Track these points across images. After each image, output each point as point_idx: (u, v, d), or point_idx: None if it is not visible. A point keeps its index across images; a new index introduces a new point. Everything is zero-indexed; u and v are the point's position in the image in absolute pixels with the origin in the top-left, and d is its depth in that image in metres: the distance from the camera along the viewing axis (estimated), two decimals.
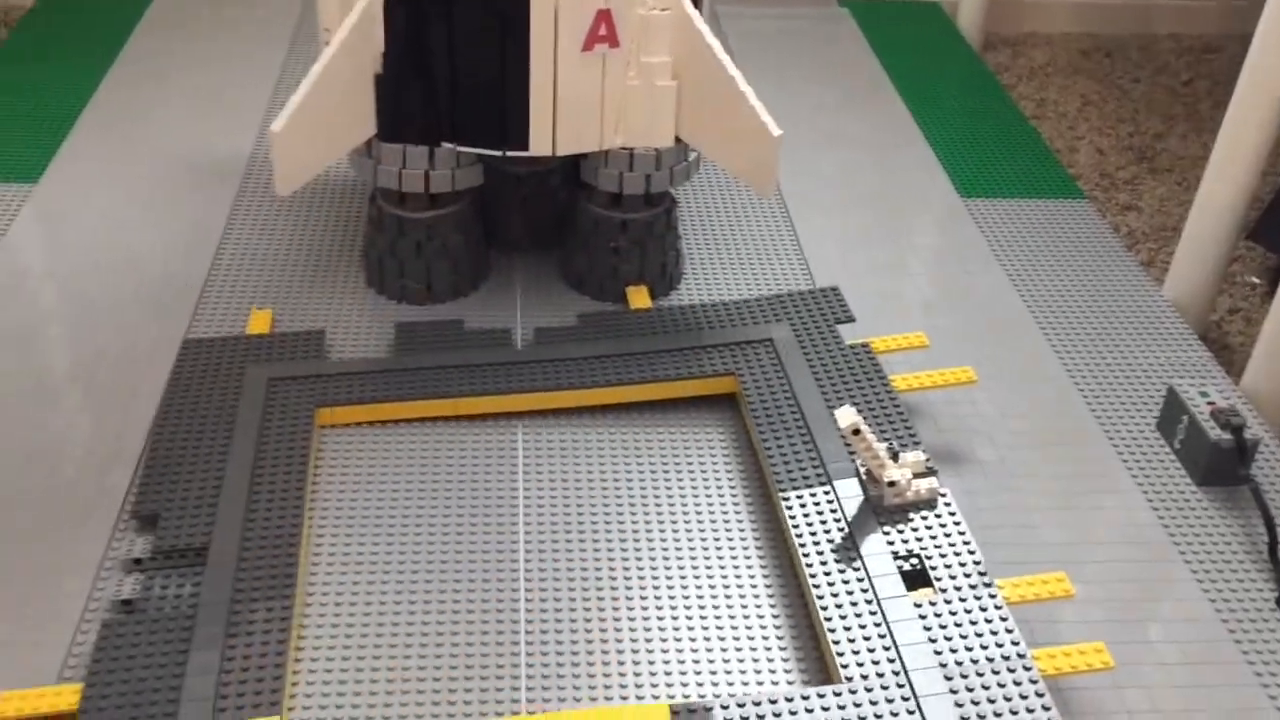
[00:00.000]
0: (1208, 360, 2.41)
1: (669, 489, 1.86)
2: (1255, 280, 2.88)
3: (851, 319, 2.38)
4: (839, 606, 1.73)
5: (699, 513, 1.82)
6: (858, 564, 1.81)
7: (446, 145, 1.87)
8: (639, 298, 2.46)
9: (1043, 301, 2.56)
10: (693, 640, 1.53)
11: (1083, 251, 2.64)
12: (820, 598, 1.74)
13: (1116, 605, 1.67)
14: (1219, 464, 2.10)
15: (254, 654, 1.23)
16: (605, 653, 1.45)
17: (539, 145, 1.88)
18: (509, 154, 1.89)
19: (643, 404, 2.03)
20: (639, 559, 1.66)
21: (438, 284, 2.38)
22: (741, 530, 1.80)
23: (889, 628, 1.69)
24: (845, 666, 1.60)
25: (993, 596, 1.76)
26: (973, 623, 1.72)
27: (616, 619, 1.53)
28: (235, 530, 1.40)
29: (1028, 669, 1.57)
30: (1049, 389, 2.34)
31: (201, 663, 1.20)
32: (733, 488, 1.93)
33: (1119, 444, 2.20)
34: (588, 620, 1.51)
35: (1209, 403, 2.17)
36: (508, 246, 2.56)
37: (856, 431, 1.83)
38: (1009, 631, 1.69)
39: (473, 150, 1.91)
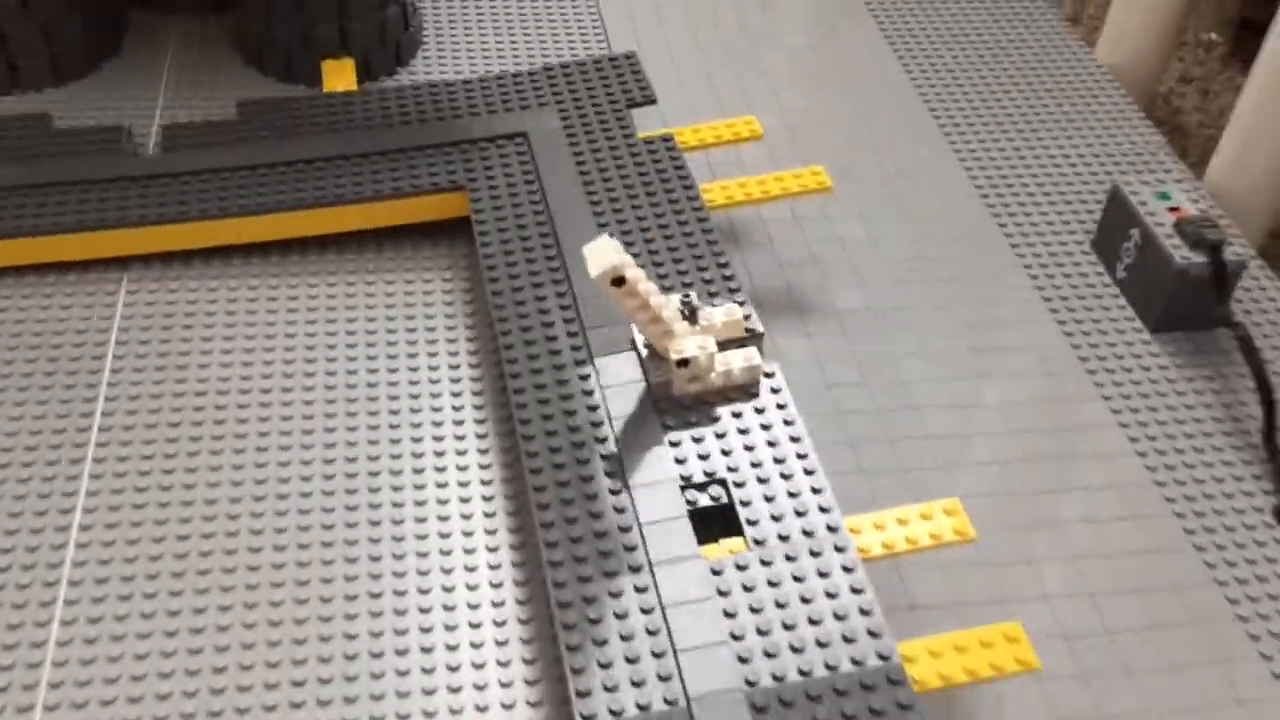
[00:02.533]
0: (1159, 148, 1.70)
1: (356, 378, 1.32)
2: (1213, 37, 2.15)
3: (651, 99, 1.61)
4: (590, 611, 1.02)
5: (394, 423, 1.28)
6: (620, 513, 1.09)
7: None
8: (339, 75, 1.66)
9: (932, 72, 1.80)
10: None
11: (987, 4, 1.89)
12: (560, 587, 1.03)
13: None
14: (1185, 300, 1.42)
15: None
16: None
17: None
18: None
19: (326, 240, 1.47)
20: (280, 516, 1.14)
21: (26, 55, 1.58)
22: (462, 450, 1.26)
23: (672, 642, 0.99)
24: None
25: (841, 551, 1.06)
26: (806, 600, 1.03)
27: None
28: None
29: (901, 701, 0.90)
30: (941, 197, 1.61)
31: None
32: (455, 377, 1.33)
33: (1039, 274, 1.49)
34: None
35: (1170, 208, 1.46)
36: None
37: (619, 281, 1.09)
38: (865, 613, 1.01)
39: None
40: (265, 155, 1.49)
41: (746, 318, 1.26)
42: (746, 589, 1.02)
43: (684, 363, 1.17)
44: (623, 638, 0.99)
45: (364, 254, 1.44)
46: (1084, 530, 1.23)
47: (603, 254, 1.10)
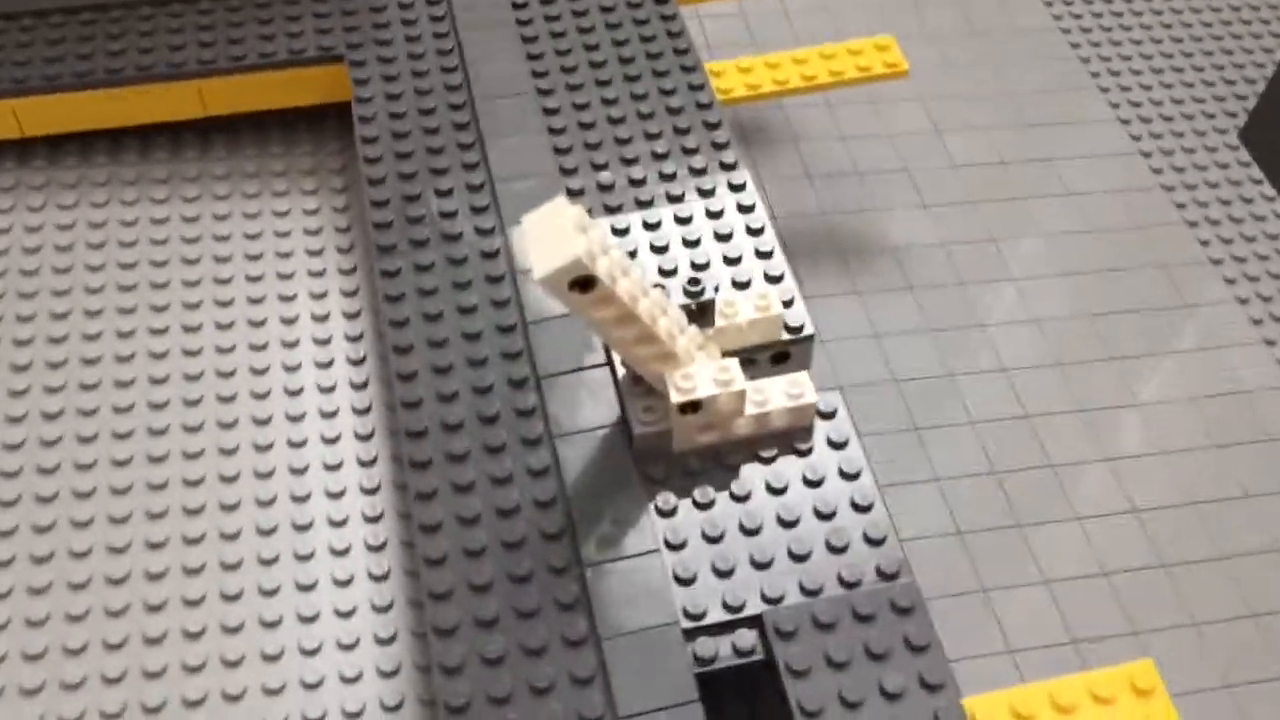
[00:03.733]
0: None
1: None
2: None
3: None
4: None
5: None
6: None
7: None
8: None
9: None
10: None
11: None
12: None
13: None
14: None
15: None
16: None
17: None
18: None
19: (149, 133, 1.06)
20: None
21: None
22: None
23: None
24: None
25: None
26: None
27: None
28: None
29: None
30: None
31: None
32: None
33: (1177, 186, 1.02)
34: None
35: None
36: None
37: (585, 284, 0.60)
38: None
39: None
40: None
41: (787, 304, 0.78)
42: None
43: (692, 406, 0.70)
44: None
45: (205, 157, 0.95)
46: None
47: (554, 240, 0.61)
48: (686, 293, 0.74)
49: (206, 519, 0.81)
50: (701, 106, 0.92)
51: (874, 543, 0.69)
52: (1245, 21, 1.27)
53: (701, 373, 0.70)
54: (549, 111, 0.91)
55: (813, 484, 0.72)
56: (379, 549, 0.80)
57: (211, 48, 0.98)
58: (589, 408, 0.74)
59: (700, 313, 0.74)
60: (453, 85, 0.93)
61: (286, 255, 0.94)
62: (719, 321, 0.75)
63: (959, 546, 0.85)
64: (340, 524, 0.81)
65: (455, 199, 0.86)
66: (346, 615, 0.77)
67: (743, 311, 0.75)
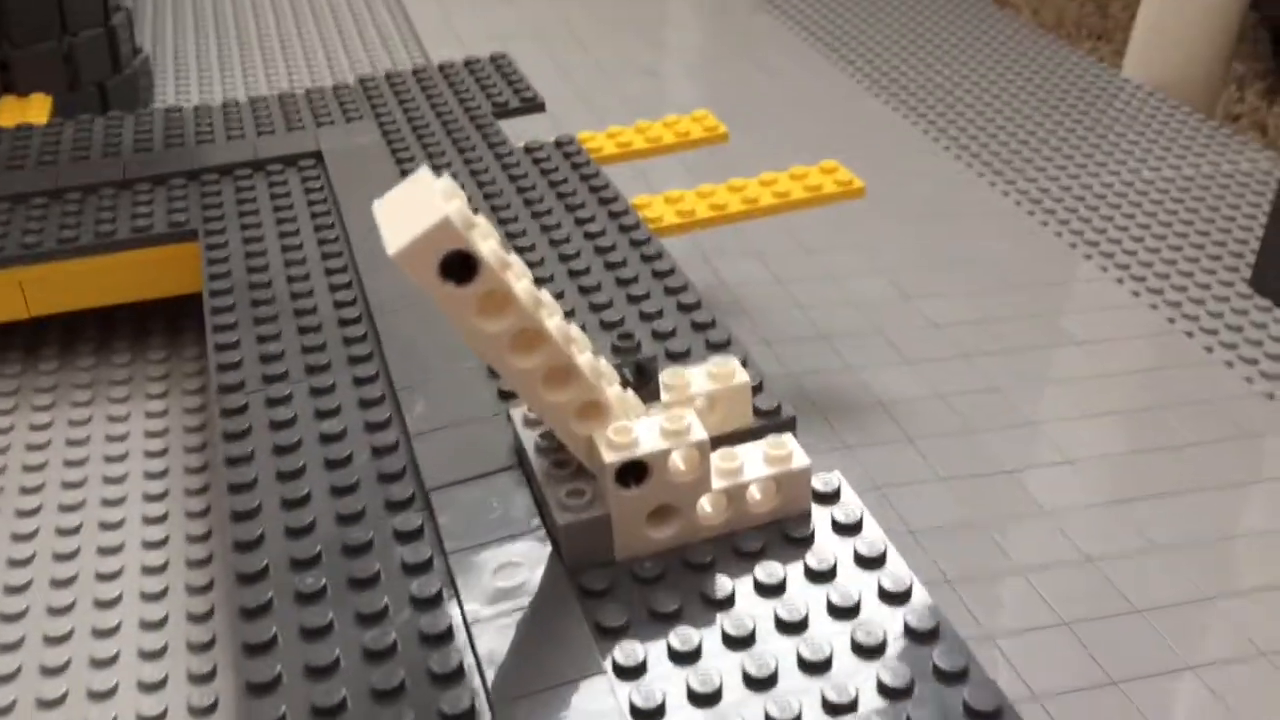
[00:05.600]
0: None
1: None
2: None
3: (533, 103, 0.98)
4: None
5: None
6: None
7: None
8: (18, 108, 1.03)
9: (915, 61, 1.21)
10: None
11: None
12: None
13: None
14: None
15: None
16: None
17: None
18: None
19: None
20: None
21: None
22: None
23: None
24: None
25: None
26: None
27: None
28: None
29: None
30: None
31: None
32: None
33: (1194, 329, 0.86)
34: None
35: None
36: None
37: (463, 268, 0.42)
38: None
39: None
40: None
41: (756, 389, 0.60)
42: None
43: (634, 471, 0.49)
44: None
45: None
46: None
47: (415, 210, 0.44)
48: (616, 350, 0.55)
49: None
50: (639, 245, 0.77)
51: (922, 637, 0.47)
52: (1226, 178, 1.18)
53: (643, 424, 0.50)
54: None
55: (821, 576, 0.50)
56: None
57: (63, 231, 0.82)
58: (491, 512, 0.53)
59: (637, 381, 0.55)
60: (333, 251, 0.77)
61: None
62: (664, 396, 0.55)
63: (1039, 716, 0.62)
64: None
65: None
66: None
67: (695, 382, 0.56)
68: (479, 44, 1.44)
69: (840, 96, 1.38)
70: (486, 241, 0.46)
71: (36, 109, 1.04)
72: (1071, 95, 1.41)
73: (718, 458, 0.52)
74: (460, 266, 0.45)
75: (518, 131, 1.00)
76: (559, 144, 0.89)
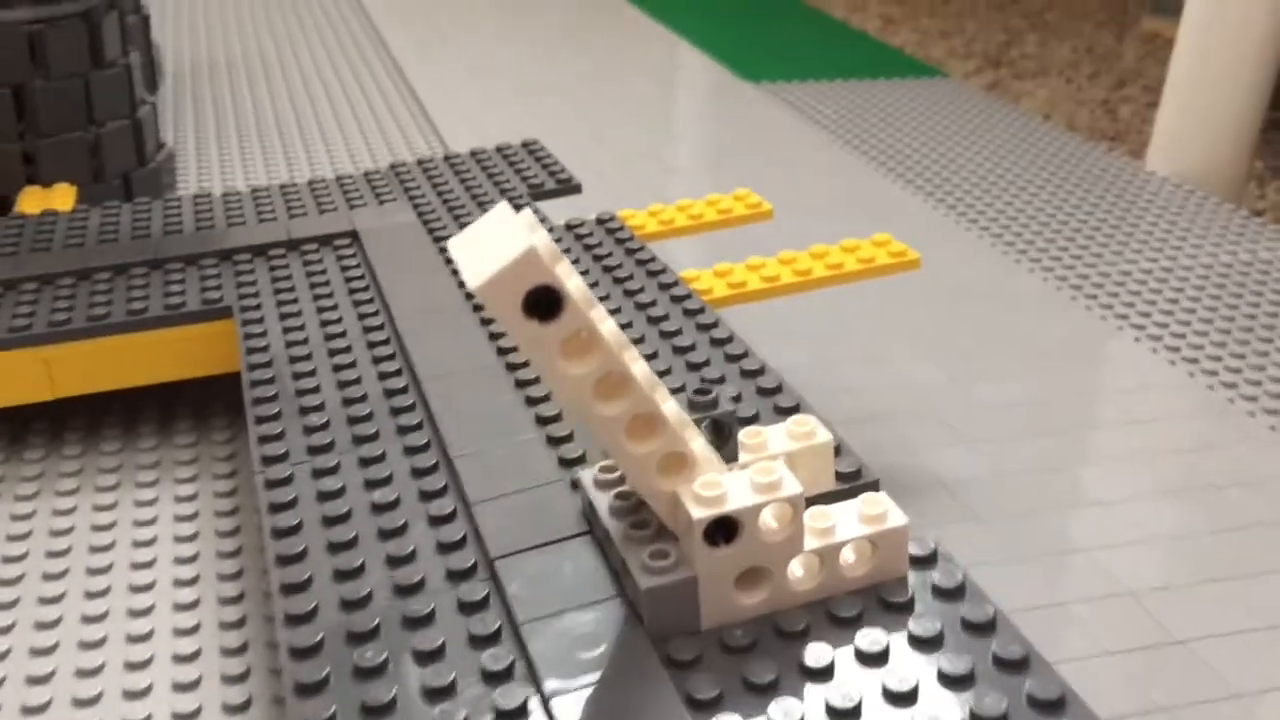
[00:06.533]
0: None
1: None
2: None
3: (569, 185, 0.96)
4: None
5: None
6: None
7: None
8: (41, 197, 1.01)
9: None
10: None
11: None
12: None
13: None
14: None
15: None
16: None
17: None
18: None
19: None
20: None
21: None
22: None
23: None
24: None
25: None
26: None
27: None
28: None
29: None
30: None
31: None
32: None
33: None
34: None
35: None
36: None
37: (548, 304, 0.39)
38: None
39: None
40: None
41: (835, 451, 0.56)
42: None
43: (724, 527, 0.46)
44: None
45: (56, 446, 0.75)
46: None
47: (498, 243, 0.41)
48: (693, 405, 0.52)
49: None
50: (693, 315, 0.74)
51: (1048, 707, 0.43)
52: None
53: (732, 478, 0.47)
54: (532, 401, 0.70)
55: (925, 643, 0.46)
56: None
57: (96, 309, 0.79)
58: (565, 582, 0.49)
59: (715, 440, 0.52)
60: (375, 327, 0.75)
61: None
62: (742, 456, 0.52)
63: None
64: None
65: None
66: None
67: (774, 441, 0.52)
68: (498, 137, 1.43)
69: (864, 184, 1.38)
70: (571, 279, 0.44)
71: (61, 198, 1.03)
72: (1100, 186, 1.40)
73: (809, 517, 0.48)
74: (545, 303, 0.42)
75: (553, 216, 0.99)
76: (600, 220, 0.88)
